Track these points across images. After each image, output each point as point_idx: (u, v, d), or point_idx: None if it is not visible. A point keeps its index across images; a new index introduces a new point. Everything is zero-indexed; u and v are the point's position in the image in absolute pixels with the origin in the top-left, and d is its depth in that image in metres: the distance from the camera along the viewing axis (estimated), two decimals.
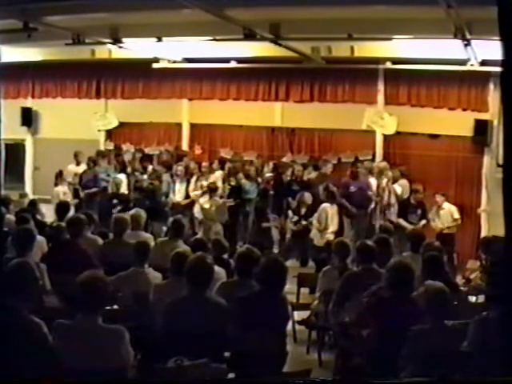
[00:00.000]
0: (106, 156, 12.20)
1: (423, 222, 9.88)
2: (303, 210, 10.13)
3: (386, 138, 11.43)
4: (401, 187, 10.52)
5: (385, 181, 10.32)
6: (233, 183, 11.00)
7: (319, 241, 9.37)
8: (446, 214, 9.99)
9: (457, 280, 7.05)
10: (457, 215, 10.02)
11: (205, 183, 11.00)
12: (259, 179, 11.20)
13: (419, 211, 9.95)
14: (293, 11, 8.39)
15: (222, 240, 7.16)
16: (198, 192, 11.00)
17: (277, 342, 4.79)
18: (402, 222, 9.86)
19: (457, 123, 10.83)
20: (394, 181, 10.53)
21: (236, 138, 12.55)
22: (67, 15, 8.64)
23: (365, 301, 4.91)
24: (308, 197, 10.17)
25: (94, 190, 11.31)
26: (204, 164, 11.68)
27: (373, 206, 10.30)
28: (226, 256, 6.80)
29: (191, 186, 11.28)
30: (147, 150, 12.86)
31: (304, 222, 9.96)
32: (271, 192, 10.80)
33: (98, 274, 4.19)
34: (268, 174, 11.28)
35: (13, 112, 12.79)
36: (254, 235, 9.98)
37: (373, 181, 10.52)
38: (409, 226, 9.56)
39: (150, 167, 11.87)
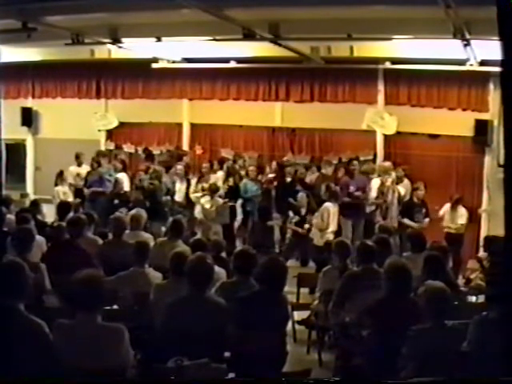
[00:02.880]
0: (107, 156, 12.21)
1: (427, 220, 9.90)
2: (303, 211, 10.14)
3: (386, 137, 11.43)
4: (404, 188, 10.52)
5: (389, 180, 10.34)
6: (230, 183, 10.99)
7: (319, 240, 9.37)
8: (457, 217, 10.01)
9: (457, 280, 7.06)
10: (464, 221, 10.04)
11: (205, 185, 10.99)
12: (261, 179, 11.22)
13: (423, 210, 9.98)
14: (292, 11, 8.38)
15: (219, 239, 7.18)
16: (199, 194, 10.99)
17: (277, 341, 4.79)
18: (407, 221, 9.86)
19: (457, 123, 10.83)
20: (399, 181, 10.54)
21: (236, 138, 12.56)
22: (66, 15, 8.63)
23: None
24: (301, 196, 10.18)
25: (100, 189, 11.32)
26: (204, 165, 11.69)
27: (374, 206, 10.34)
28: (224, 255, 6.81)
29: (192, 187, 11.26)
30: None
31: (306, 226, 9.98)
32: (273, 192, 10.81)
33: (93, 272, 4.17)
34: (270, 175, 11.29)
35: (13, 112, 12.80)
36: (257, 235, 9.98)
37: (376, 180, 10.54)
38: (415, 225, 9.60)
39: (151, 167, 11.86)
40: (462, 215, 10.06)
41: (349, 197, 10.23)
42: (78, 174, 11.87)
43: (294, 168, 11.22)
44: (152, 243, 7.15)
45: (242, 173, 11.30)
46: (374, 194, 10.44)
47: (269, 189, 10.80)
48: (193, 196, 11.15)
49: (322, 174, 11.01)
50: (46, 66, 12.83)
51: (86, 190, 11.44)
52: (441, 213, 10.11)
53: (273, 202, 10.67)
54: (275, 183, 11.03)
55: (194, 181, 11.37)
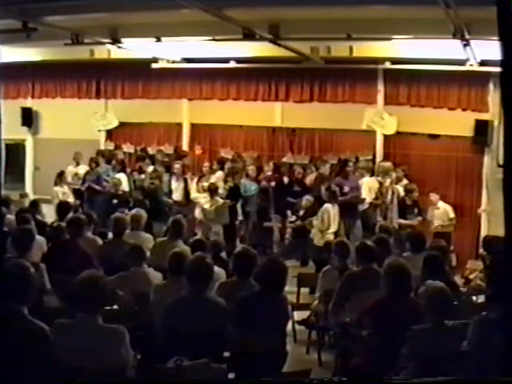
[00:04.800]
0: (106, 156, 12.22)
1: (419, 218, 9.89)
2: (301, 212, 10.15)
3: (386, 138, 11.43)
4: (403, 188, 10.53)
5: (388, 181, 10.35)
6: (230, 184, 10.98)
7: (319, 241, 9.37)
8: (442, 213, 9.99)
9: (456, 280, 7.05)
10: (452, 215, 10.03)
11: (206, 184, 11.00)
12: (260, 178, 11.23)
13: (416, 210, 9.98)
14: (292, 11, 8.38)
15: (219, 239, 7.18)
16: (201, 194, 10.97)
17: (277, 342, 4.79)
18: (401, 221, 9.86)
19: (457, 123, 10.83)
20: (398, 181, 10.56)
21: (236, 138, 12.56)
22: (66, 15, 8.63)
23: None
24: (307, 199, 10.20)
25: (97, 187, 11.34)
26: (206, 164, 11.69)
27: (366, 205, 10.36)
28: (224, 255, 6.81)
29: (193, 187, 11.25)
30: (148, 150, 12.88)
31: (299, 222, 9.98)
32: (271, 191, 10.81)
33: (97, 273, 4.19)
34: (268, 173, 11.31)
35: (13, 112, 12.80)
36: (255, 235, 9.99)
37: (367, 179, 10.56)
38: (406, 222, 9.59)
39: (150, 167, 11.87)
40: (448, 211, 10.03)
41: (343, 197, 10.22)
42: (76, 174, 11.90)
43: (288, 168, 11.22)
44: (152, 243, 7.16)
45: (242, 173, 11.31)
46: (363, 191, 10.40)
47: (266, 188, 10.80)
48: (194, 196, 11.14)
49: (321, 175, 11.00)
50: (46, 65, 12.82)
51: (83, 188, 11.46)
52: (428, 217, 10.08)
53: (271, 201, 10.67)
54: (273, 183, 11.04)
55: (194, 180, 11.37)
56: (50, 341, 3.71)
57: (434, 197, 10.08)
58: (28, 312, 3.72)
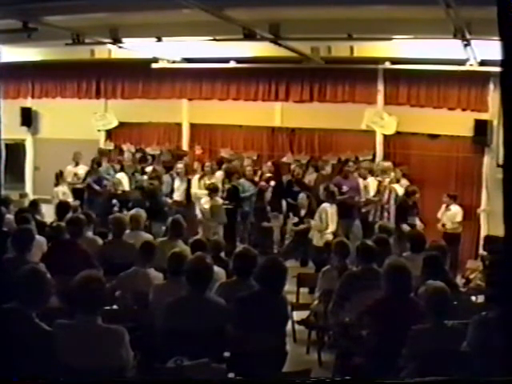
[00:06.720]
0: (107, 156, 12.23)
1: (418, 222, 9.86)
2: (302, 212, 10.13)
3: (385, 138, 11.44)
4: (402, 187, 10.53)
5: (387, 181, 10.35)
6: (228, 185, 10.97)
7: (318, 241, 9.37)
8: (452, 215, 9.99)
9: (457, 280, 7.06)
10: (458, 219, 10.01)
11: (208, 181, 10.99)
12: (256, 179, 11.22)
13: (415, 211, 9.97)
14: (292, 11, 8.39)
15: (219, 239, 7.18)
16: (203, 192, 10.96)
17: (276, 342, 4.79)
18: (405, 227, 9.65)
19: (457, 123, 10.84)
20: (397, 181, 10.57)
21: (236, 138, 12.57)
22: (66, 15, 8.63)
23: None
24: (302, 197, 10.18)
25: (97, 187, 11.35)
26: (207, 164, 11.70)
27: (370, 206, 10.35)
28: (223, 255, 6.81)
29: (194, 185, 11.24)
30: (147, 150, 12.87)
31: (304, 225, 9.96)
32: (269, 192, 10.80)
33: (94, 274, 4.17)
34: (267, 175, 11.30)
35: (13, 112, 12.80)
36: (254, 235, 9.99)
37: (372, 180, 10.57)
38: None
39: (149, 167, 11.87)
40: (457, 214, 10.04)
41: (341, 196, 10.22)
42: (75, 174, 11.90)
43: (289, 168, 11.21)
44: None
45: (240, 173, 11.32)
46: (371, 193, 10.45)
47: (263, 189, 10.79)
48: (195, 192, 11.12)
49: (322, 175, 11.01)
50: (46, 66, 12.83)
51: (84, 189, 11.47)
52: (439, 215, 10.10)
53: (266, 202, 10.66)
54: (272, 183, 11.03)
55: (196, 177, 11.36)
56: (54, 344, 3.72)
57: (446, 199, 10.07)
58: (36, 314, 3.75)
